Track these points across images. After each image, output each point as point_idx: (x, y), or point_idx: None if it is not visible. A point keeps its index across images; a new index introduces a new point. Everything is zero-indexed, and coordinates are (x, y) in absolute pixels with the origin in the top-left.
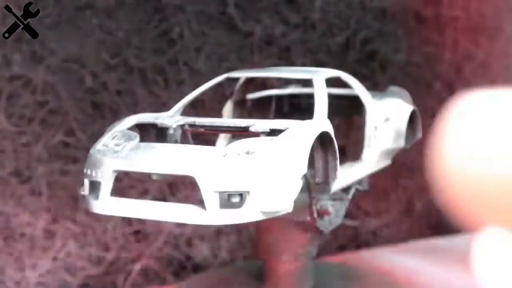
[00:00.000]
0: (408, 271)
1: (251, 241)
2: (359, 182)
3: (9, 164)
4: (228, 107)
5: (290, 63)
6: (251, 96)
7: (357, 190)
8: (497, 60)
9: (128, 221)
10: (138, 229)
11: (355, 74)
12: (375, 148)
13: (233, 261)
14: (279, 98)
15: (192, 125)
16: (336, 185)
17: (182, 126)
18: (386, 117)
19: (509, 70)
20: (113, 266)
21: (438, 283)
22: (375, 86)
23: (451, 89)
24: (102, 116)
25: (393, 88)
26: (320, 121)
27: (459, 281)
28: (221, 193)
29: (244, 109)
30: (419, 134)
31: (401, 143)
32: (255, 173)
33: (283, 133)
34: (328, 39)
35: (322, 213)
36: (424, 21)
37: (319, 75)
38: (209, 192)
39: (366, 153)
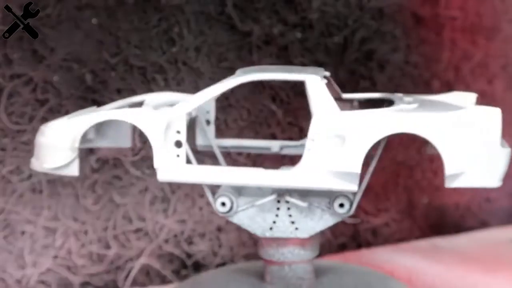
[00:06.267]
0: (409, 271)
1: (251, 239)
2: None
3: (9, 162)
4: None
5: (289, 62)
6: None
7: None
8: (495, 59)
9: (128, 219)
10: (139, 227)
11: (353, 74)
12: (309, 161)
13: (233, 260)
14: None
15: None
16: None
17: None
18: (338, 134)
19: (506, 70)
20: (113, 264)
21: (439, 283)
22: (374, 85)
23: (449, 89)
24: None
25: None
26: None
27: (460, 281)
28: None
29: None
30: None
31: (355, 169)
32: None
33: None
34: (326, 39)
35: None
36: (421, 21)
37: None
38: None
39: (301, 164)
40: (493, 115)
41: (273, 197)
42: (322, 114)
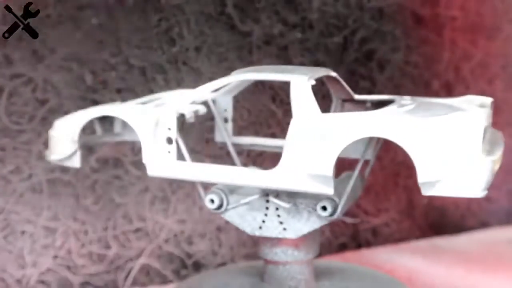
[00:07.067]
0: (409, 271)
1: (251, 239)
2: None
3: (9, 162)
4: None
5: (288, 62)
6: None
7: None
8: (495, 59)
9: (128, 219)
10: (139, 227)
11: (353, 74)
12: (287, 163)
13: (233, 260)
14: None
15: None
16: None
17: None
18: (313, 136)
19: (506, 70)
20: (113, 264)
21: (438, 283)
22: (374, 85)
23: (449, 89)
24: None
25: None
26: None
27: (460, 281)
28: None
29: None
30: None
31: (327, 172)
32: None
33: None
34: (326, 39)
35: None
36: (422, 21)
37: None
38: None
39: (279, 165)
40: (473, 121)
41: (256, 196)
42: (301, 115)
